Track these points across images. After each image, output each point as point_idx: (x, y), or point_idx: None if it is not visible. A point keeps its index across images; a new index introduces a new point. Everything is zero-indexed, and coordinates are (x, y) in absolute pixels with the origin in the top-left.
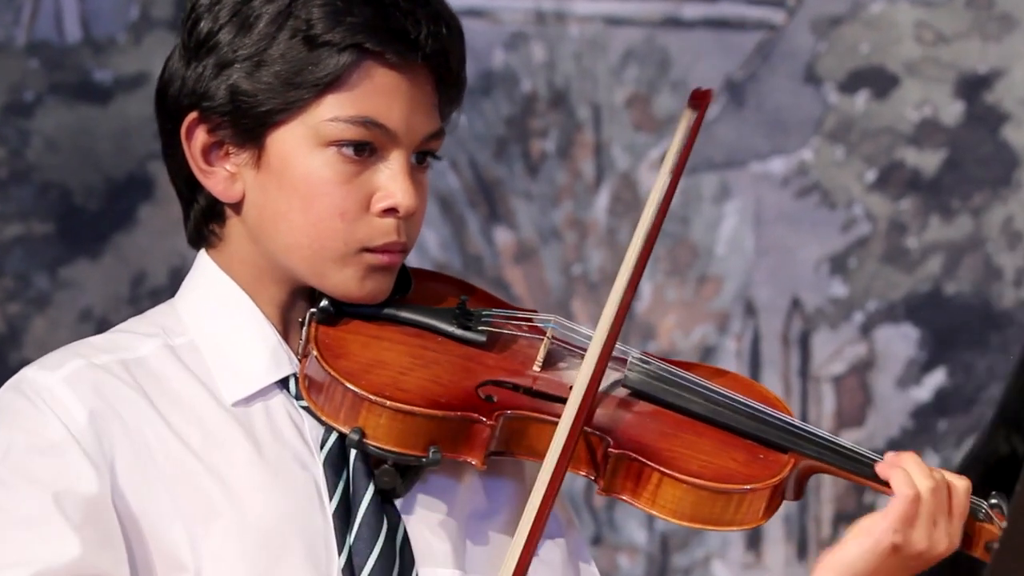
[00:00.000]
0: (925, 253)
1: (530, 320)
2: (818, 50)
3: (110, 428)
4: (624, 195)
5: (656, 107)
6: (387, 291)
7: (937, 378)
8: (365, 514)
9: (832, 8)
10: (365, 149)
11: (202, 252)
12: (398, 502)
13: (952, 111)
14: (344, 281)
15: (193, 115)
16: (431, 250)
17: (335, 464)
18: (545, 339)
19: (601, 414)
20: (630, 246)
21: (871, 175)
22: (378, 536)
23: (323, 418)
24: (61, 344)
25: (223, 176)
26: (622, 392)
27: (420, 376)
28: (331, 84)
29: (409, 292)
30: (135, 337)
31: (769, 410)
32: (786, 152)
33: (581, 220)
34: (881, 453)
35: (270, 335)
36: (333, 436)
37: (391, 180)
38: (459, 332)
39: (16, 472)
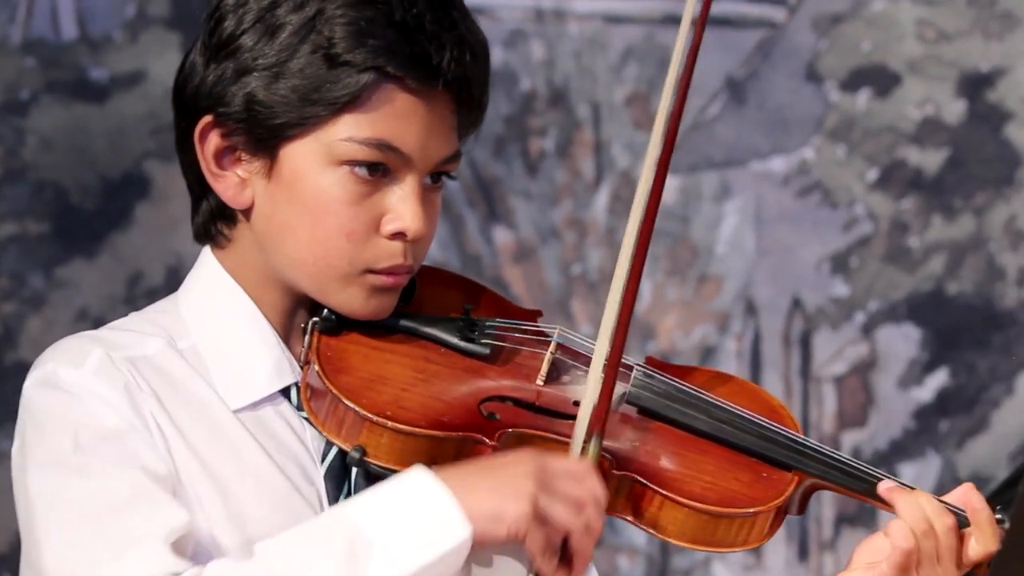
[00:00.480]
0: (927, 253)
1: (534, 330)
2: (819, 48)
3: (143, 412)
4: (624, 194)
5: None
6: (391, 308)
7: (939, 378)
8: None
9: (833, 6)
10: (378, 170)
11: (206, 250)
12: None
13: (954, 110)
14: (348, 300)
15: (208, 118)
16: (430, 249)
17: (336, 477)
18: (547, 353)
19: (604, 431)
20: (623, 243)
21: (873, 174)
22: None
23: (323, 431)
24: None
25: (234, 181)
26: (625, 407)
27: (422, 392)
28: (348, 104)
29: (413, 298)
30: (138, 336)
31: (773, 425)
32: (787, 151)
33: (580, 219)
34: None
35: (273, 343)
36: (334, 450)
37: (401, 203)
38: (463, 345)
39: (97, 458)
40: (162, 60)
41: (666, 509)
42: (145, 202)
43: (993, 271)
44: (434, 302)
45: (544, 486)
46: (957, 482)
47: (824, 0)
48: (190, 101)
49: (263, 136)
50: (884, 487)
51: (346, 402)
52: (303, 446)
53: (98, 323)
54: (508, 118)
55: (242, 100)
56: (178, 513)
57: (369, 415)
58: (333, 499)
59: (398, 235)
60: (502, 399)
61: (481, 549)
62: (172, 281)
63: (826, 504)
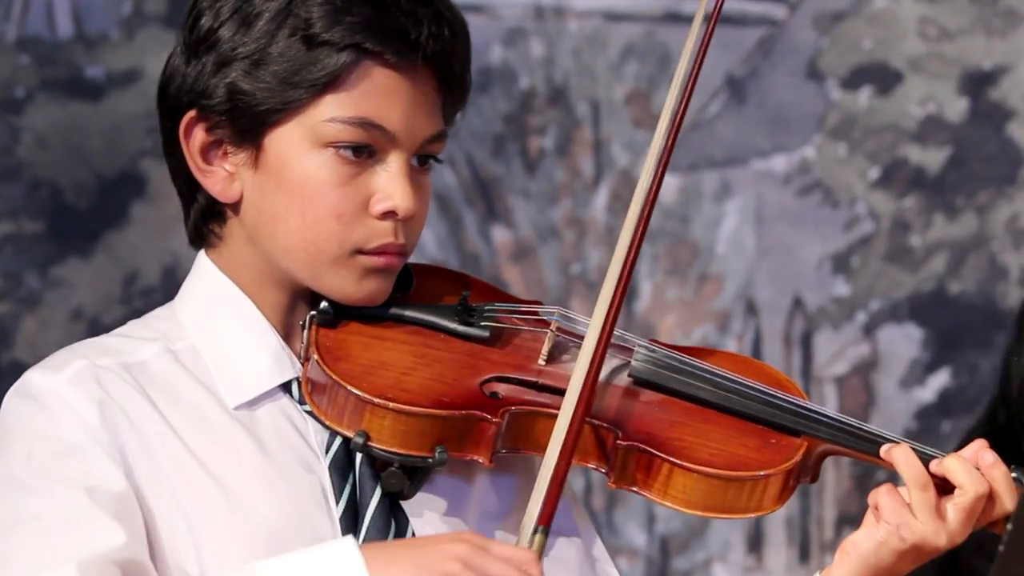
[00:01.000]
0: (929, 252)
1: (533, 313)
2: (820, 46)
3: (119, 425)
4: (623, 193)
5: (656, 104)
6: (386, 293)
7: (941, 379)
8: (372, 517)
9: (834, 3)
10: (364, 151)
11: (202, 254)
12: (407, 504)
13: (956, 108)
14: (340, 284)
15: (191, 113)
16: (428, 248)
17: (341, 467)
18: (549, 332)
19: (608, 406)
20: (627, 218)
21: (874, 173)
22: (386, 539)
23: (327, 422)
24: (52, 344)
25: (221, 176)
26: (629, 382)
27: (423, 375)
28: (329, 84)
29: (410, 290)
30: (135, 342)
31: (780, 393)
32: (788, 149)
33: (580, 218)
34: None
35: (272, 338)
36: (338, 439)
37: (389, 182)
38: (461, 328)
39: (45, 476)
40: (159, 58)
41: (675, 477)
42: (141, 201)
43: (995, 270)
44: (431, 293)
45: (471, 568)
46: None
47: None
48: (173, 100)
49: (247, 126)
50: (884, 448)
51: (347, 387)
52: (305, 440)
53: (93, 322)
54: (507, 116)
55: (224, 91)
56: (111, 537)
57: (370, 398)
58: (338, 490)
59: (388, 214)
60: (504, 379)
61: None
62: (168, 281)
63: (827, 505)
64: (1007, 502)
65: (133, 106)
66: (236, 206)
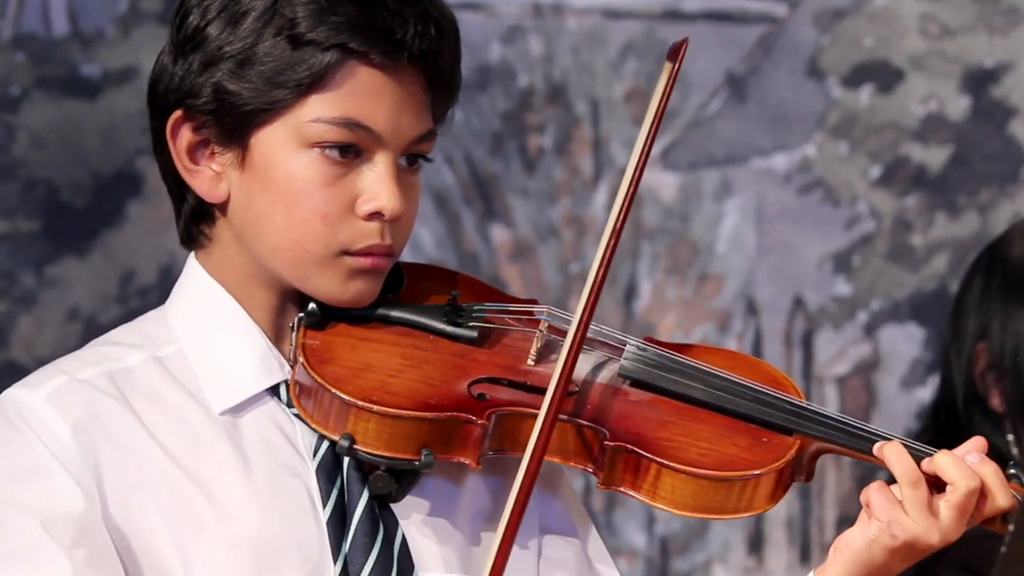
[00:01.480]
0: (931, 251)
1: (523, 312)
2: (821, 44)
3: (95, 442)
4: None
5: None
6: (373, 294)
7: None
8: (360, 521)
9: (835, 1)
10: (350, 151)
11: (191, 257)
12: (396, 507)
13: (958, 106)
14: (326, 285)
15: (178, 113)
16: (426, 248)
17: (328, 471)
18: (538, 331)
19: (596, 406)
20: (608, 221)
21: (875, 171)
22: (374, 543)
23: (313, 425)
24: (48, 344)
25: (208, 176)
26: (619, 381)
27: (410, 377)
28: (314, 84)
29: (401, 290)
30: (121, 348)
31: (773, 391)
32: (788, 148)
33: (579, 217)
34: None
35: (259, 341)
36: (325, 443)
37: (376, 183)
38: (450, 329)
39: (1, 503)
40: (155, 56)
41: (663, 478)
42: (137, 200)
43: None
44: (422, 293)
45: None
46: None
47: None
48: (161, 99)
49: (233, 125)
50: (877, 446)
51: (332, 390)
52: (292, 444)
53: (89, 322)
54: (506, 115)
55: (210, 91)
56: (56, 573)
57: (355, 401)
58: (325, 494)
59: (375, 215)
60: (492, 380)
61: None
62: (165, 280)
63: (828, 506)
64: (1000, 498)
65: (129, 104)
66: (224, 206)
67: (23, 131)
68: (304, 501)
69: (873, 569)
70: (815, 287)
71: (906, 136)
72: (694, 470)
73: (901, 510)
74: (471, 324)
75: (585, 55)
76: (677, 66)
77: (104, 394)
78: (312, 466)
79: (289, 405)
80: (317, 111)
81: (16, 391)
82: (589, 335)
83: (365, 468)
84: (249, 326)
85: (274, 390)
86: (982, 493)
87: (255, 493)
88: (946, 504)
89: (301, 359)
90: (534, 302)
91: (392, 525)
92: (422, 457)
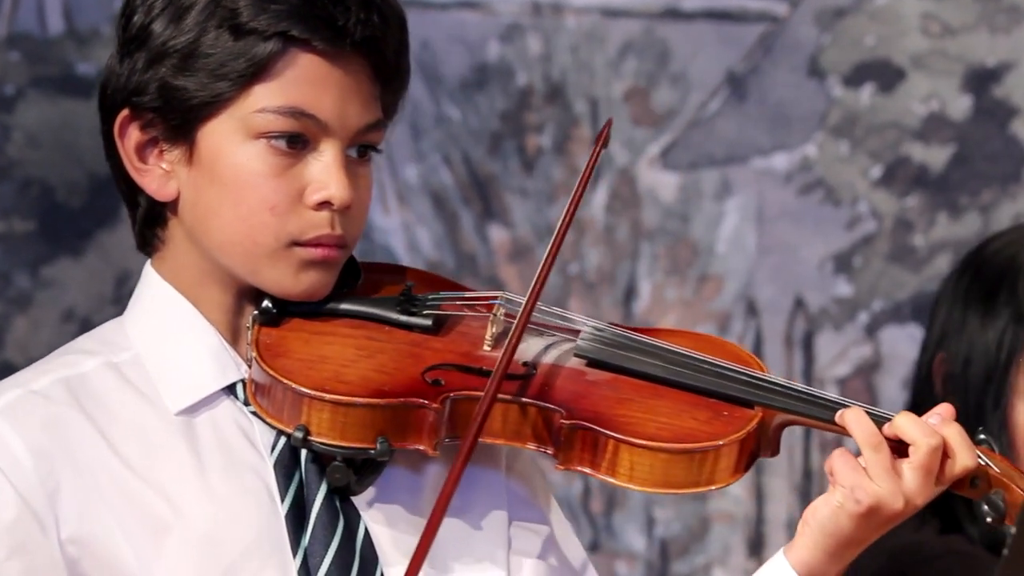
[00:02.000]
0: (932, 251)
1: (478, 299)
2: (822, 42)
3: (51, 457)
4: (622, 192)
5: (655, 101)
6: (327, 287)
7: None
8: (319, 514)
9: None
10: (297, 141)
11: (147, 264)
12: (357, 500)
13: (960, 105)
14: (278, 278)
15: (125, 112)
16: (424, 248)
17: (286, 466)
18: (492, 316)
19: (553, 386)
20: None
21: (876, 171)
22: (333, 535)
23: (269, 420)
24: (43, 345)
25: (158, 174)
26: (576, 362)
27: (363, 367)
28: (258, 74)
29: (357, 285)
30: (77, 356)
31: (733, 365)
32: (789, 147)
33: (578, 217)
34: None
35: (213, 341)
36: (282, 439)
37: (324, 172)
38: (404, 319)
39: None
40: None
41: (621, 453)
42: None
43: None
44: (377, 287)
45: None
46: None
47: None
48: (108, 101)
49: (179, 121)
50: (838, 413)
51: (284, 382)
52: (250, 442)
53: (85, 323)
54: (504, 114)
55: (156, 87)
56: None
57: (307, 391)
58: (283, 489)
59: (323, 205)
60: (447, 366)
61: None
62: None
63: None
64: (964, 457)
65: None
66: (174, 205)
67: (18, 131)
68: (263, 498)
69: (841, 539)
70: (816, 288)
71: (907, 136)
72: (652, 443)
73: (864, 475)
74: (425, 313)
75: (584, 54)
76: (599, 147)
77: (59, 404)
78: (270, 462)
79: (246, 403)
80: (262, 101)
81: None
82: (547, 319)
83: (323, 461)
84: (203, 326)
85: (231, 390)
86: (945, 453)
87: (213, 493)
88: (909, 466)
89: (255, 355)
90: (492, 297)
91: (354, 518)
92: (377, 445)
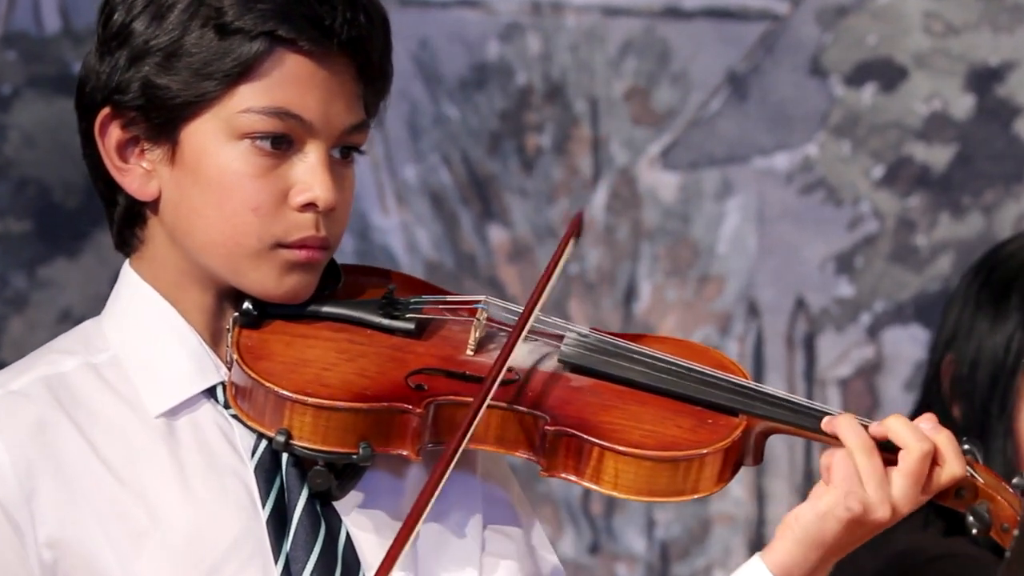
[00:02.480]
0: (934, 252)
1: (461, 303)
2: (823, 41)
3: (30, 461)
4: (622, 192)
5: (656, 100)
6: (309, 289)
7: None
8: (300, 519)
9: None
10: (282, 142)
11: (126, 264)
12: (339, 505)
13: (962, 105)
14: (261, 279)
15: (106, 111)
16: (423, 249)
17: (267, 470)
18: (476, 320)
19: (536, 392)
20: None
21: (878, 171)
22: (315, 541)
23: (250, 424)
24: (39, 346)
25: (139, 173)
26: (559, 368)
27: (345, 370)
28: (243, 74)
29: (338, 287)
30: (56, 355)
31: (717, 373)
32: (790, 147)
33: None
34: None
35: (193, 343)
36: (263, 443)
37: (308, 173)
38: (386, 322)
39: None
40: None
41: (606, 461)
42: None
43: None
44: (359, 289)
45: None
46: None
47: None
48: (87, 99)
49: (162, 120)
50: (826, 420)
51: (266, 385)
52: (231, 445)
53: (81, 324)
54: (504, 113)
55: (138, 86)
56: None
57: (288, 394)
58: (264, 493)
59: (308, 206)
60: (430, 371)
61: None
62: None
63: None
64: (954, 466)
65: None
66: (155, 205)
67: (14, 130)
68: (244, 501)
69: (822, 545)
70: (817, 288)
71: (909, 135)
72: (636, 451)
73: (859, 480)
74: (408, 316)
75: (584, 53)
76: (571, 240)
77: (40, 404)
78: (250, 466)
79: (226, 407)
80: (247, 101)
81: None
82: (531, 324)
83: (305, 465)
84: (183, 328)
85: (211, 393)
86: (935, 461)
87: (193, 496)
88: (899, 473)
89: (236, 357)
90: (475, 300)
91: (335, 523)
92: (360, 450)
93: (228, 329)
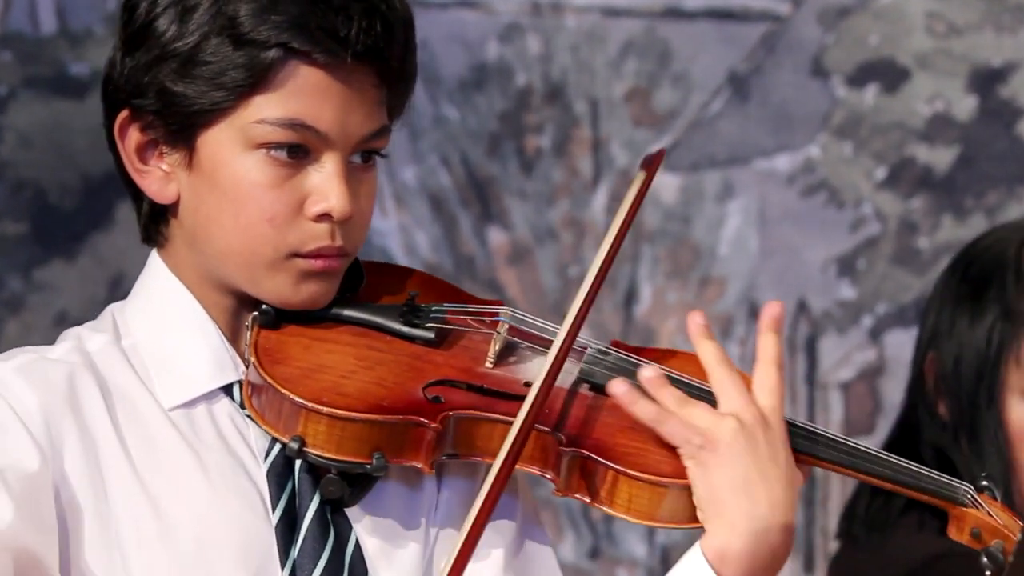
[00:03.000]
0: (937, 254)
1: (483, 313)
2: (825, 42)
3: (61, 420)
4: (623, 193)
5: (656, 102)
6: (328, 296)
7: None
8: (310, 526)
9: None
10: (298, 152)
11: (153, 252)
12: (350, 512)
13: (965, 106)
14: (277, 288)
15: (125, 113)
16: (422, 251)
17: (280, 474)
18: (496, 333)
19: (554, 410)
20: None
21: (880, 172)
22: (324, 548)
23: (264, 427)
24: None
25: (158, 176)
26: (579, 386)
27: (363, 379)
28: (257, 85)
29: (360, 289)
30: (85, 332)
31: None
32: (792, 148)
33: (578, 219)
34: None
35: (215, 339)
36: (277, 446)
37: (324, 183)
38: (406, 330)
39: None
40: None
41: (620, 485)
42: (127, 202)
43: None
44: (381, 292)
45: None
46: None
47: None
48: (111, 97)
49: (179, 126)
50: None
51: (282, 391)
52: (246, 445)
53: (78, 326)
54: (503, 114)
55: (155, 91)
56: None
57: (305, 402)
58: (275, 498)
59: (323, 216)
60: (448, 383)
61: None
62: None
63: (833, 516)
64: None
65: None
66: (175, 207)
67: (10, 131)
68: (255, 503)
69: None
70: (819, 291)
71: (912, 136)
72: (651, 478)
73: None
74: (428, 325)
75: (584, 54)
76: (650, 177)
77: (72, 374)
78: (263, 469)
79: (242, 406)
80: (261, 112)
81: None
82: (549, 336)
83: (317, 471)
84: (205, 323)
85: (228, 390)
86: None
87: (203, 493)
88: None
89: (253, 359)
90: (498, 303)
91: (345, 530)
92: (374, 461)
93: (247, 327)
